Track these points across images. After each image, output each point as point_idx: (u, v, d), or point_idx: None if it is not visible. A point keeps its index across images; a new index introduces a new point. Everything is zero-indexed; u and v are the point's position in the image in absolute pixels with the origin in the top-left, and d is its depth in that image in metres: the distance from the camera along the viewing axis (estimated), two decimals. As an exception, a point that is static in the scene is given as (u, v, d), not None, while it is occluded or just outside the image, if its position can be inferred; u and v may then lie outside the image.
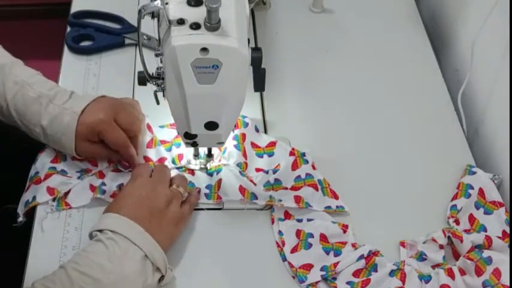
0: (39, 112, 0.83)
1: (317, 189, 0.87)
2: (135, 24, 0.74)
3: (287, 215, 0.85)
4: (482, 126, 1.01)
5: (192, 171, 0.90)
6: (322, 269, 0.80)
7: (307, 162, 0.90)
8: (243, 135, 0.91)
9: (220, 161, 0.90)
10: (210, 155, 0.89)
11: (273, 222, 0.85)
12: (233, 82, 0.73)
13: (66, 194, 0.85)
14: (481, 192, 0.88)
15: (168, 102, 0.78)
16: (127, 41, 1.05)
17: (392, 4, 1.18)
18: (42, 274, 0.72)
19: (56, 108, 0.83)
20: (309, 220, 0.84)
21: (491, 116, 0.99)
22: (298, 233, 0.83)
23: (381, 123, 0.99)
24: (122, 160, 0.88)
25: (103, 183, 0.86)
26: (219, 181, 0.87)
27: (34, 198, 0.84)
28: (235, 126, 0.90)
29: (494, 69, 0.98)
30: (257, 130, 0.93)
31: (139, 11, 0.71)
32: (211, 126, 0.79)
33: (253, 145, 0.91)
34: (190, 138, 0.82)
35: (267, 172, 0.89)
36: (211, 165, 0.89)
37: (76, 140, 0.83)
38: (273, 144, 0.92)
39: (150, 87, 0.81)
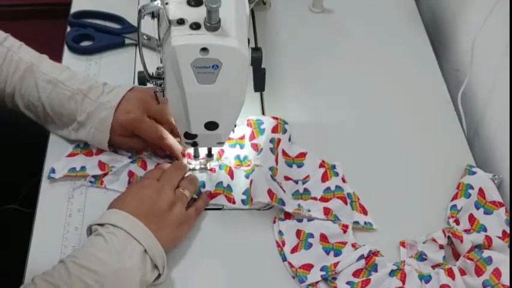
0: (76, 109, 0.85)
1: (346, 203, 0.86)
2: (135, 24, 0.74)
3: (287, 215, 0.85)
4: (482, 126, 1.01)
5: (231, 173, 0.88)
6: (322, 269, 0.79)
7: (337, 174, 0.89)
8: (279, 141, 0.90)
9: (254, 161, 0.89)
10: (210, 155, 0.89)
11: (274, 222, 0.85)
12: (233, 82, 0.73)
13: (105, 173, 0.87)
14: (481, 192, 0.88)
15: (168, 102, 0.78)
16: (127, 41, 1.05)
17: (392, 4, 1.18)
18: (42, 274, 0.72)
19: (92, 103, 0.84)
20: (309, 220, 0.84)
21: (491, 116, 0.99)
22: (298, 233, 0.83)
23: (381, 124, 0.99)
24: (156, 151, 0.89)
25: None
26: (250, 182, 0.86)
27: (83, 168, 0.86)
28: (274, 130, 0.90)
29: (494, 69, 0.98)
30: (289, 139, 0.92)
31: (139, 11, 0.71)
32: (211, 126, 0.79)
33: (284, 153, 0.90)
34: (190, 138, 0.82)
35: (296, 182, 0.89)
36: (211, 165, 0.89)
37: (111, 134, 0.85)
38: (303, 155, 0.91)
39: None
